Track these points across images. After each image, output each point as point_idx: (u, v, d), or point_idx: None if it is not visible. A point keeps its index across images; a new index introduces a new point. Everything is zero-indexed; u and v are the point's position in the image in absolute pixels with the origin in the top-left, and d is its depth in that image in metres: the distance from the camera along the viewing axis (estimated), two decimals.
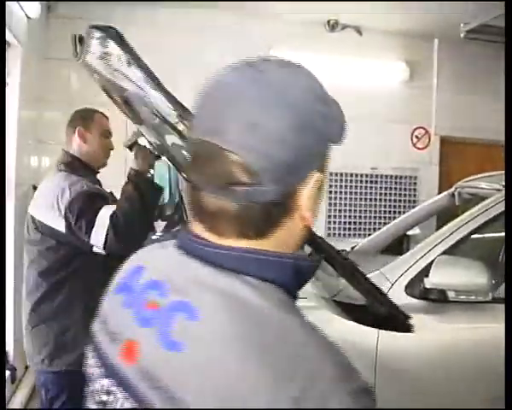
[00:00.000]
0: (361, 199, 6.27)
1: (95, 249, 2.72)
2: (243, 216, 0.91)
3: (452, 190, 4.58)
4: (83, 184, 2.83)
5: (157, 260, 1.01)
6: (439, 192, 5.39)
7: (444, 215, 4.52)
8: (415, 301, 2.91)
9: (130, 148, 2.84)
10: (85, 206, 2.71)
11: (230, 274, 0.90)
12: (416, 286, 3.09)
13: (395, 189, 6.40)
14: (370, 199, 6.33)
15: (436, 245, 3.20)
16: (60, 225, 2.72)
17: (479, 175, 4.38)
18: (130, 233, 2.68)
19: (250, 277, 0.90)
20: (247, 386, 0.80)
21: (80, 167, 2.97)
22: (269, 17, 5.94)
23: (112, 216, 2.68)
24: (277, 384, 0.79)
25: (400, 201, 6.42)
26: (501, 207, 3.32)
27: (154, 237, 6.75)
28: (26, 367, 4.25)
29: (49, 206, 2.75)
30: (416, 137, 6.47)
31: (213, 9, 5.76)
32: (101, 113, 3.18)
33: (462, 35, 5.76)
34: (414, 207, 5.76)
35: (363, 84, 6.21)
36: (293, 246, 0.97)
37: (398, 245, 4.57)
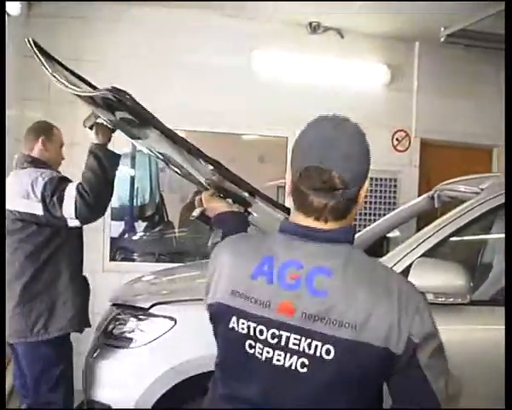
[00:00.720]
0: None
1: (70, 224, 3.22)
2: (337, 208, 1.58)
3: (432, 192, 4.61)
4: (52, 171, 3.38)
5: (277, 248, 1.61)
6: (419, 195, 5.42)
7: (424, 218, 4.55)
8: None
9: (91, 127, 3.29)
10: (57, 186, 3.20)
11: (338, 247, 1.59)
12: None
13: (375, 191, 6.42)
14: None
15: (415, 248, 3.21)
16: (38, 209, 3.19)
17: (458, 178, 4.41)
18: (96, 197, 3.19)
19: (343, 243, 1.60)
20: (372, 303, 1.51)
21: (43, 165, 3.46)
22: (251, 18, 5.94)
23: (77, 187, 3.19)
24: (383, 300, 1.52)
25: (380, 203, 6.44)
26: (479, 210, 3.35)
27: (135, 238, 6.76)
28: None
29: (24, 196, 3.21)
30: (397, 139, 6.50)
31: (195, 10, 5.75)
32: (57, 127, 3.75)
33: (442, 39, 5.79)
34: (394, 209, 5.78)
35: (344, 86, 6.23)
36: (352, 222, 1.67)
37: (378, 247, 4.58)
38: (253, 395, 1.60)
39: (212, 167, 2.38)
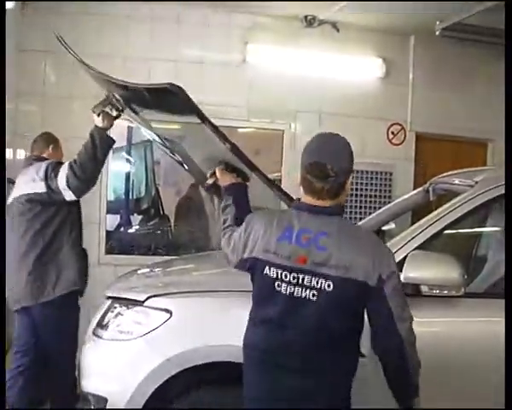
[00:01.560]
0: None
1: (66, 197, 3.89)
2: (331, 190, 2.41)
3: (427, 185, 4.61)
4: (53, 160, 4.12)
5: (297, 220, 2.45)
6: (414, 188, 5.42)
7: (419, 211, 4.57)
8: None
9: (99, 114, 3.87)
10: (55, 166, 3.95)
11: (333, 218, 2.43)
12: None
13: (371, 184, 6.44)
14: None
15: (409, 240, 3.22)
16: (41, 187, 3.90)
17: (453, 171, 4.42)
18: (84, 171, 3.84)
19: (336, 215, 2.45)
20: (356, 253, 2.37)
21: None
22: (246, 12, 5.94)
23: (70, 162, 3.88)
24: (363, 250, 2.40)
25: (376, 196, 6.46)
26: (473, 203, 3.36)
27: (130, 231, 6.76)
28: None
29: (30, 180, 3.97)
30: (392, 133, 6.52)
31: (190, 3, 5.75)
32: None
33: (437, 33, 5.80)
34: (389, 202, 5.78)
35: (339, 79, 6.24)
36: (343, 202, 2.53)
37: None
38: (274, 316, 2.46)
39: (229, 147, 2.93)
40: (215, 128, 2.93)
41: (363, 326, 2.50)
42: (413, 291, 3.17)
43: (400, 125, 6.55)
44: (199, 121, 2.92)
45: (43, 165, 3.98)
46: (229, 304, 3.26)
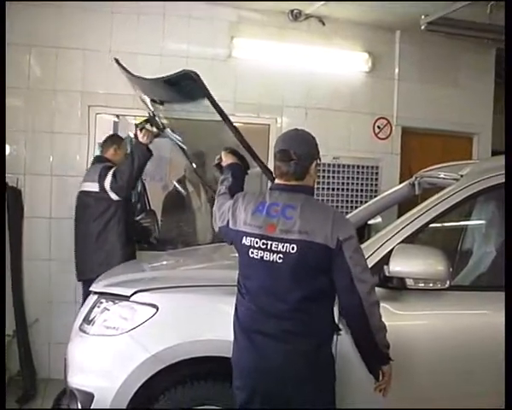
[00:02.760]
0: (323, 189, 6.29)
1: (112, 196, 4.84)
2: (294, 172, 2.81)
3: (412, 179, 4.64)
4: (107, 164, 5.02)
5: (269, 197, 2.83)
6: (401, 182, 5.43)
7: (405, 204, 4.58)
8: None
9: (141, 130, 4.65)
10: (106, 170, 4.86)
11: (299, 194, 2.81)
12: (376, 274, 3.13)
13: (357, 178, 6.43)
14: (332, 189, 6.36)
15: (395, 234, 3.25)
16: (96, 187, 4.86)
17: (438, 165, 4.44)
18: (122, 179, 4.78)
19: (302, 193, 2.81)
20: (317, 221, 2.72)
21: (106, 161, 5.11)
22: (232, 6, 5.92)
23: (114, 170, 4.84)
24: (324, 218, 2.74)
25: (362, 190, 6.46)
26: (458, 197, 3.38)
27: None
28: None
29: (91, 180, 4.94)
30: (378, 127, 6.52)
31: None
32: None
33: (422, 27, 5.81)
34: (375, 196, 5.80)
35: (325, 74, 6.23)
36: (311, 184, 2.91)
37: (359, 234, 4.61)
38: (251, 284, 2.82)
39: (234, 132, 3.60)
40: (223, 115, 3.54)
41: (334, 296, 2.81)
42: (399, 284, 3.19)
43: (386, 119, 6.55)
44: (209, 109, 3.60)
45: (99, 167, 4.93)
46: (215, 299, 3.26)
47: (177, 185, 6.38)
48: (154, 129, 4.78)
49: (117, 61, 4.09)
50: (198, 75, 3.60)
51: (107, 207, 4.91)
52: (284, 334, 2.74)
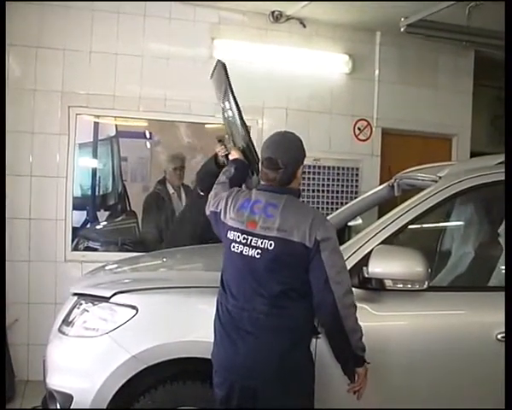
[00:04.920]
0: (303, 190, 6.30)
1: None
2: (281, 179, 2.89)
3: (392, 181, 4.66)
4: None
5: (254, 195, 2.93)
6: (381, 183, 5.46)
7: (385, 206, 4.61)
8: (354, 289, 2.95)
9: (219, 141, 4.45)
10: None
11: (282, 195, 2.87)
12: (355, 275, 3.15)
13: (337, 180, 6.46)
14: (313, 190, 6.38)
15: (374, 235, 3.26)
16: None
17: (417, 167, 4.47)
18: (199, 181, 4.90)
19: (286, 194, 2.88)
20: (296, 220, 2.78)
21: None
22: (212, 7, 5.92)
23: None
24: (302, 218, 2.79)
25: (342, 192, 6.48)
26: (437, 198, 3.41)
27: (97, 227, 6.71)
28: None
29: None
30: (358, 128, 6.55)
31: None
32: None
33: (402, 29, 5.85)
34: (355, 197, 5.84)
35: (306, 75, 6.25)
36: (297, 187, 2.99)
37: (340, 236, 4.62)
38: (230, 278, 2.91)
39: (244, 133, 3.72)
40: (239, 112, 3.67)
41: (311, 297, 2.82)
42: (378, 286, 3.21)
43: (366, 120, 6.58)
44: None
45: None
46: (195, 300, 3.26)
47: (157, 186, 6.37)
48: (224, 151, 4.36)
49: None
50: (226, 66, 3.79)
51: None
52: (260, 329, 2.80)
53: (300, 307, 2.83)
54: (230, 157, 3.71)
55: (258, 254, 2.78)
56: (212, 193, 3.25)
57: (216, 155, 4.47)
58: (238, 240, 2.84)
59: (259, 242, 2.78)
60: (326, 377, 3.04)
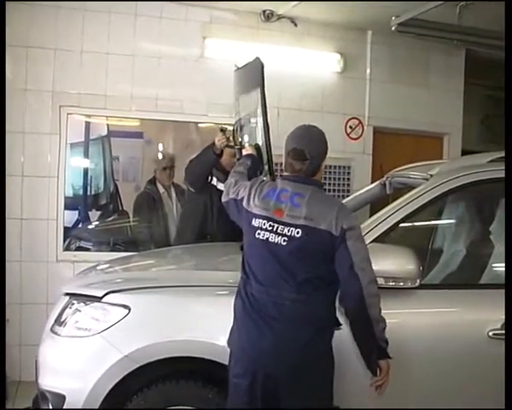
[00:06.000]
0: None
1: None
2: (306, 170, 2.94)
3: (383, 179, 4.67)
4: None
5: (280, 184, 2.97)
6: (372, 182, 5.47)
7: (377, 204, 4.61)
8: None
9: (221, 130, 4.67)
10: None
11: (308, 185, 2.92)
12: None
13: (329, 178, 6.46)
14: None
15: (366, 233, 3.25)
16: None
17: (408, 165, 4.48)
18: (188, 173, 5.14)
19: (312, 185, 2.94)
20: (322, 209, 2.84)
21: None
22: (204, 6, 5.92)
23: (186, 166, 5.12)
24: (329, 207, 2.85)
25: (334, 190, 6.48)
26: (428, 196, 3.42)
27: (89, 227, 6.69)
28: None
29: None
30: (350, 127, 6.56)
31: None
32: None
33: (393, 28, 5.86)
34: (347, 196, 5.85)
35: (297, 74, 6.25)
36: (320, 179, 3.07)
37: None
38: (255, 264, 2.91)
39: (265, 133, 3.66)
40: (265, 112, 3.68)
41: (337, 285, 2.88)
42: None
43: (358, 119, 6.59)
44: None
45: None
46: (187, 300, 3.26)
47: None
48: (231, 141, 4.57)
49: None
50: (263, 64, 3.78)
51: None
52: (286, 315, 2.81)
53: (325, 295, 2.88)
54: (244, 152, 3.76)
55: (284, 241, 2.80)
56: (229, 181, 3.29)
57: (213, 144, 4.54)
58: (264, 227, 2.86)
59: (286, 229, 2.81)
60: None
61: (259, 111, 3.75)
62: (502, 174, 3.21)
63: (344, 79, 6.52)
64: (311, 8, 5.90)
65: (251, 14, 6.09)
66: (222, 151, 4.75)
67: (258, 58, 3.80)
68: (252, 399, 2.83)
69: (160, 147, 6.99)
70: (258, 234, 2.87)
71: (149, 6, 5.79)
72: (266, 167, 3.70)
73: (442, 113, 6.86)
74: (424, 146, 6.87)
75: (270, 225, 2.85)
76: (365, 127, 6.62)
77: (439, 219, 4.29)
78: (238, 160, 3.88)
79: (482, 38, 6.09)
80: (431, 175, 3.62)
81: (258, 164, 3.64)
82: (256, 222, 2.90)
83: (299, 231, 2.79)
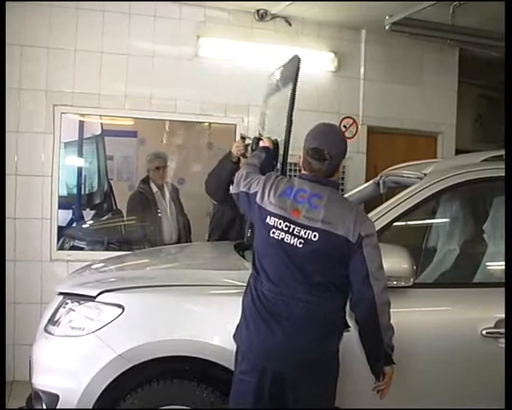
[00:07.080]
0: None
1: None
2: (326, 171, 2.86)
3: (377, 178, 4.68)
4: None
5: (297, 183, 2.89)
6: (367, 181, 5.48)
7: (371, 203, 4.62)
8: None
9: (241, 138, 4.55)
10: None
11: (326, 186, 2.86)
12: None
13: None
14: None
15: None
16: None
17: (402, 164, 4.49)
18: (208, 184, 4.82)
19: (329, 186, 2.87)
20: (341, 214, 2.79)
21: None
22: (198, 5, 5.92)
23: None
24: (347, 212, 2.81)
25: None
26: (422, 195, 3.43)
27: (83, 226, 6.69)
28: None
29: None
30: (344, 126, 6.56)
31: None
32: None
33: (386, 27, 5.86)
34: (342, 195, 5.84)
35: None
36: (337, 179, 3.00)
37: None
38: (268, 265, 2.86)
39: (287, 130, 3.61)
40: (292, 109, 3.64)
41: (347, 294, 2.86)
42: None
43: (352, 118, 6.60)
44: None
45: None
46: (181, 299, 3.26)
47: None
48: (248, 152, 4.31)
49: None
50: (300, 60, 3.79)
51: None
52: (297, 316, 2.79)
53: (336, 299, 2.85)
54: (262, 144, 3.70)
55: (300, 243, 2.76)
56: (241, 173, 3.21)
57: (230, 153, 4.46)
58: (280, 227, 2.81)
59: (303, 232, 2.76)
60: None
61: (287, 106, 3.69)
62: (495, 173, 3.23)
63: (338, 78, 6.52)
64: (305, 8, 5.90)
65: (245, 13, 6.09)
66: (239, 159, 4.63)
67: (297, 55, 3.80)
68: (257, 396, 2.82)
69: (154, 146, 6.99)
70: (273, 233, 2.82)
71: (143, 5, 5.78)
72: (279, 166, 3.66)
73: (436, 112, 6.87)
74: (418, 145, 6.89)
75: (286, 226, 2.79)
76: (359, 126, 6.62)
77: (433, 218, 4.30)
78: (253, 150, 3.82)
79: (475, 37, 6.10)
80: (425, 174, 3.63)
81: (272, 159, 3.57)
82: (271, 220, 2.84)
83: (316, 234, 2.74)
